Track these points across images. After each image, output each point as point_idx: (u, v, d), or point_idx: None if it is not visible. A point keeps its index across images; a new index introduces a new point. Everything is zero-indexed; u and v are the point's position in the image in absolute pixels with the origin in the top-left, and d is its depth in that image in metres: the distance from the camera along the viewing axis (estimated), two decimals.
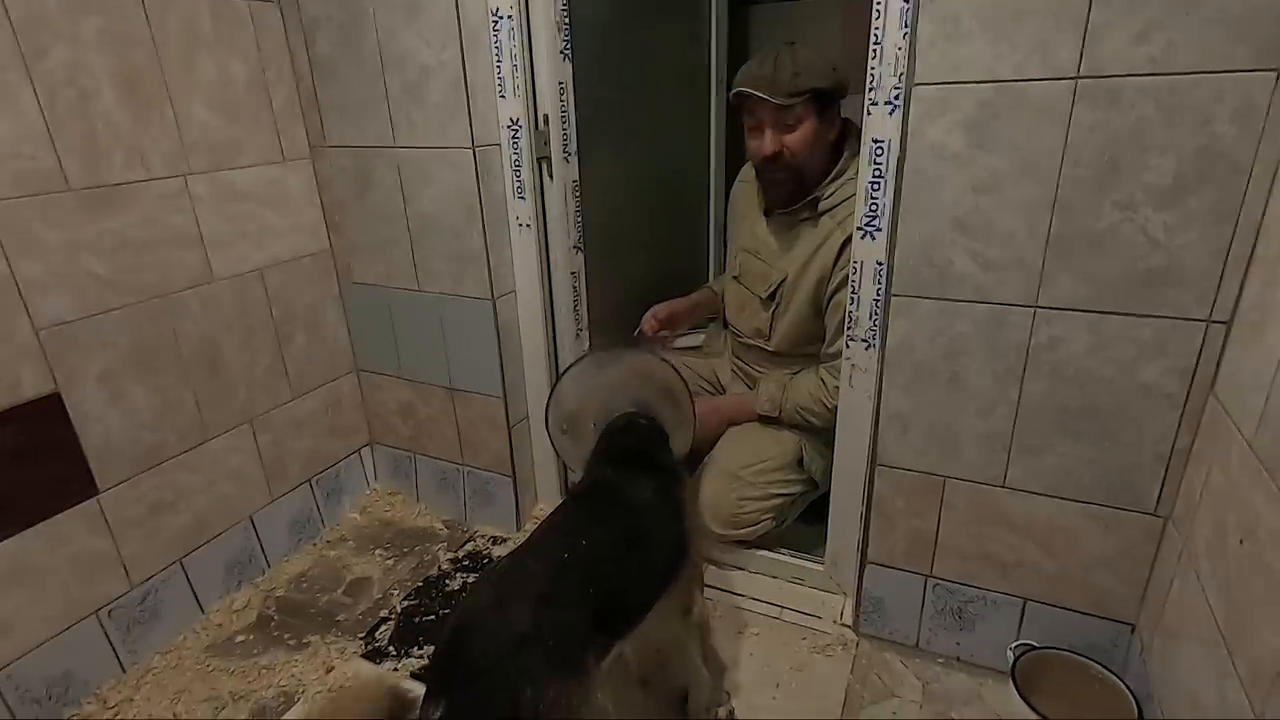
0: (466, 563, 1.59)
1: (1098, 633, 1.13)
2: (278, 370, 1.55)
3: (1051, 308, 0.99)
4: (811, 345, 1.47)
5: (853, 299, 1.19)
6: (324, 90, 1.46)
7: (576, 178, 1.49)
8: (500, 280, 1.48)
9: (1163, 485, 1.01)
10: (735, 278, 1.58)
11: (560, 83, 1.39)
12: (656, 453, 1.13)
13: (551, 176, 1.45)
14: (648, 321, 1.70)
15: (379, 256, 1.56)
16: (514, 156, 1.41)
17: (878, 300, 1.16)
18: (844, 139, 1.38)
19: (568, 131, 1.44)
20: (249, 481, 1.52)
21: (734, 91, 1.34)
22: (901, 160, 1.02)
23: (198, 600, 1.43)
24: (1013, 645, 1.16)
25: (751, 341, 1.55)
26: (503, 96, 1.37)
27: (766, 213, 1.48)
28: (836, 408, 1.38)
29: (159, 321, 1.30)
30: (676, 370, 1.26)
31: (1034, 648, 1.14)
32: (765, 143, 1.34)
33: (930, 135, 0.99)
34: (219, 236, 1.38)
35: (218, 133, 1.35)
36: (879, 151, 1.08)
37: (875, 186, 1.10)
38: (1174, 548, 1.00)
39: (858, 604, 1.32)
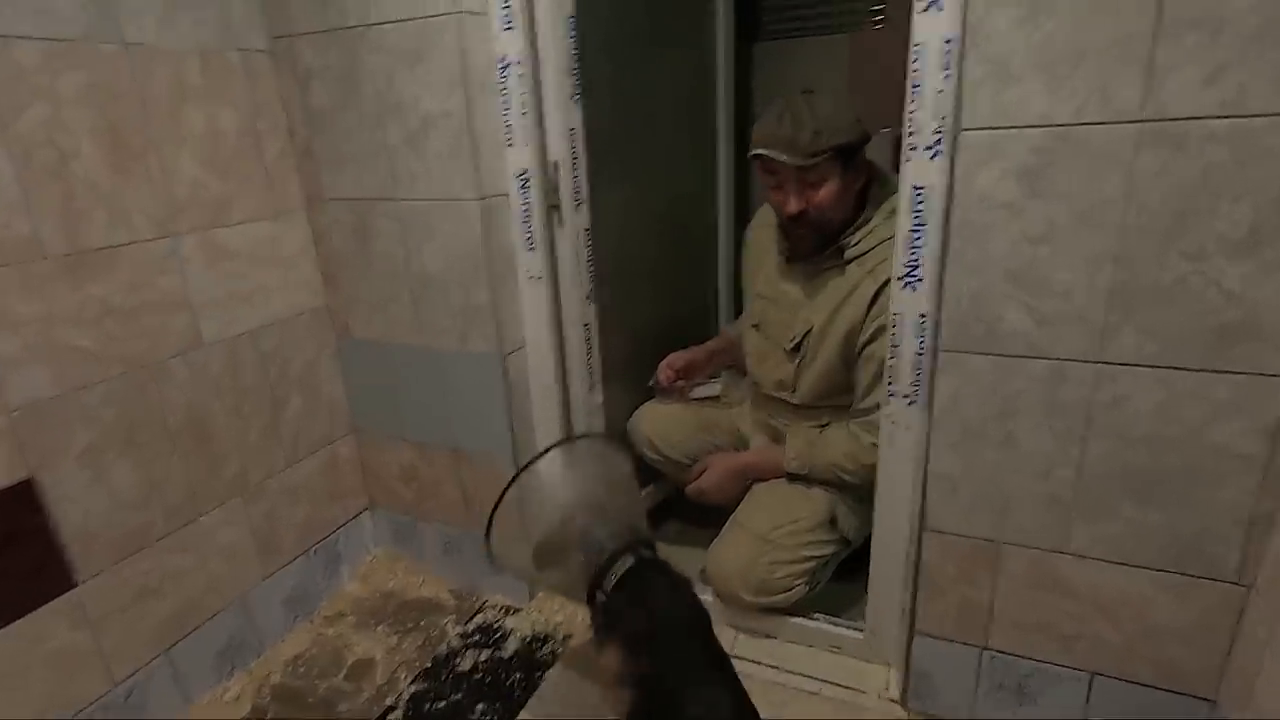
0: (477, 638, 1.48)
1: (1173, 708, 1.04)
2: (272, 436, 1.45)
3: (1115, 363, 0.92)
4: (839, 398, 1.39)
5: (893, 353, 1.12)
6: (320, 141, 1.39)
7: (588, 225, 1.42)
8: (509, 335, 1.40)
9: (1244, 551, 0.94)
10: (755, 326, 1.51)
11: (571, 129, 1.33)
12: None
13: (562, 224, 1.38)
14: (664, 371, 1.63)
15: (379, 312, 1.48)
16: (524, 207, 1.34)
17: (920, 354, 1.09)
18: (869, 184, 1.32)
19: (579, 177, 1.37)
20: (241, 558, 1.41)
21: (752, 153, 1.28)
22: (948, 209, 0.96)
23: (185, 693, 1.31)
24: None
25: (775, 394, 1.47)
26: (511, 145, 1.30)
27: (789, 261, 1.42)
28: (873, 466, 1.30)
29: (145, 392, 1.20)
30: (621, 449, 1.22)
31: None
32: (790, 203, 1.28)
33: (979, 183, 0.93)
34: (209, 299, 1.29)
35: (207, 190, 1.27)
36: (919, 199, 1.02)
37: (916, 235, 1.04)
38: (1260, 618, 0.92)
39: (906, 677, 1.22)
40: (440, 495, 1.59)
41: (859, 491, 1.42)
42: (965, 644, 1.15)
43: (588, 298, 1.46)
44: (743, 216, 2.15)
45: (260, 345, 1.40)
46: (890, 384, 1.14)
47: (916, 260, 1.05)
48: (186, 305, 1.26)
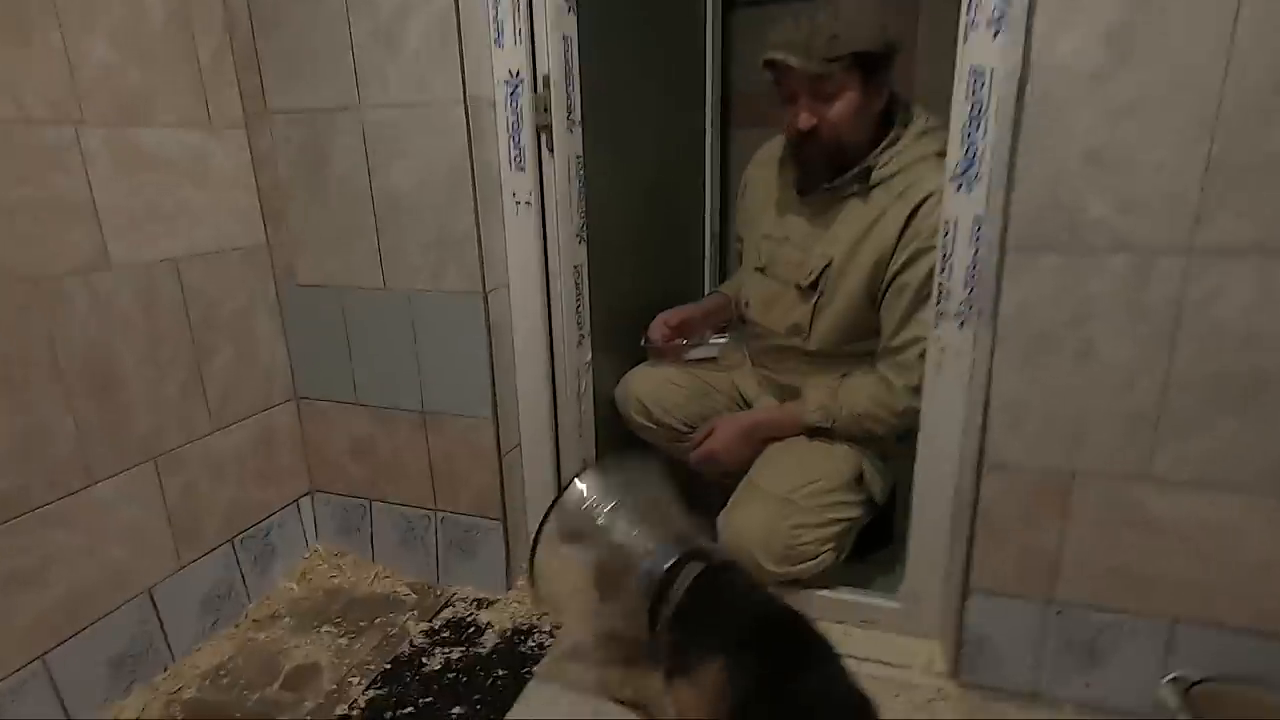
0: (447, 634, 1.23)
1: (1268, 656, 0.93)
2: (193, 393, 1.19)
3: (1210, 251, 0.83)
4: (860, 343, 1.26)
5: (943, 267, 1.00)
6: (266, 42, 1.18)
7: (580, 152, 1.25)
8: (492, 271, 1.21)
9: None
10: (760, 270, 1.37)
11: (565, 36, 1.17)
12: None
13: (552, 150, 1.21)
14: (657, 329, 1.46)
15: (333, 250, 1.26)
16: (511, 119, 1.16)
17: (974, 267, 0.98)
18: (893, 109, 1.22)
19: (572, 96, 1.21)
20: (149, 543, 1.13)
21: (763, 58, 1.16)
22: (1022, 84, 0.85)
23: (66, 712, 1.01)
24: (1167, 680, 0.94)
25: (785, 342, 1.33)
26: (500, 44, 1.13)
27: (801, 192, 1.29)
28: (906, 412, 1.17)
29: (29, 317, 0.95)
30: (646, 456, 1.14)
31: (1196, 682, 0.92)
32: (800, 117, 1.16)
33: (1060, 51, 0.82)
34: (120, 211, 1.05)
35: (123, 78, 1.04)
36: (978, 83, 0.91)
37: (974, 125, 0.93)
38: None
39: (958, 645, 1.07)
40: (401, 471, 1.35)
41: (883, 447, 1.28)
42: (1028, 599, 1.02)
43: (579, 236, 1.29)
44: (728, 192, 2.04)
45: (183, 279, 1.15)
46: (939, 304, 1.02)
47: (973, 156, 0.94)
48: (89, 215, 1.01)
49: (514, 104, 1.16)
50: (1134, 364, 0.89)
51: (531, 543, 1.04)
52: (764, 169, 1.41)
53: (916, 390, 1.15)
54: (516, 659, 1.17)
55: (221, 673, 1.15)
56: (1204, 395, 0.87)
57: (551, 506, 1.05)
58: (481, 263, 1.17)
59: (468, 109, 1.10)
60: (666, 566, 0.94)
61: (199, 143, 1.16)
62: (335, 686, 1.12)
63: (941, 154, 1.17)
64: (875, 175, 1.19)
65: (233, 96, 1.21)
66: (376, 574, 1.40)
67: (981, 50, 0.90)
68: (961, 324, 1.01)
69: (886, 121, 1.21)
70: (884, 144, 1.19)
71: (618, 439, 1.51)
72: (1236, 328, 0.84)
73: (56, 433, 0.99)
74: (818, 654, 0.85)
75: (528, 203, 1.20)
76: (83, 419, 1.02)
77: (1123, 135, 0.83)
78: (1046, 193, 0.87)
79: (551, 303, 1.28)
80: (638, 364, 1.52)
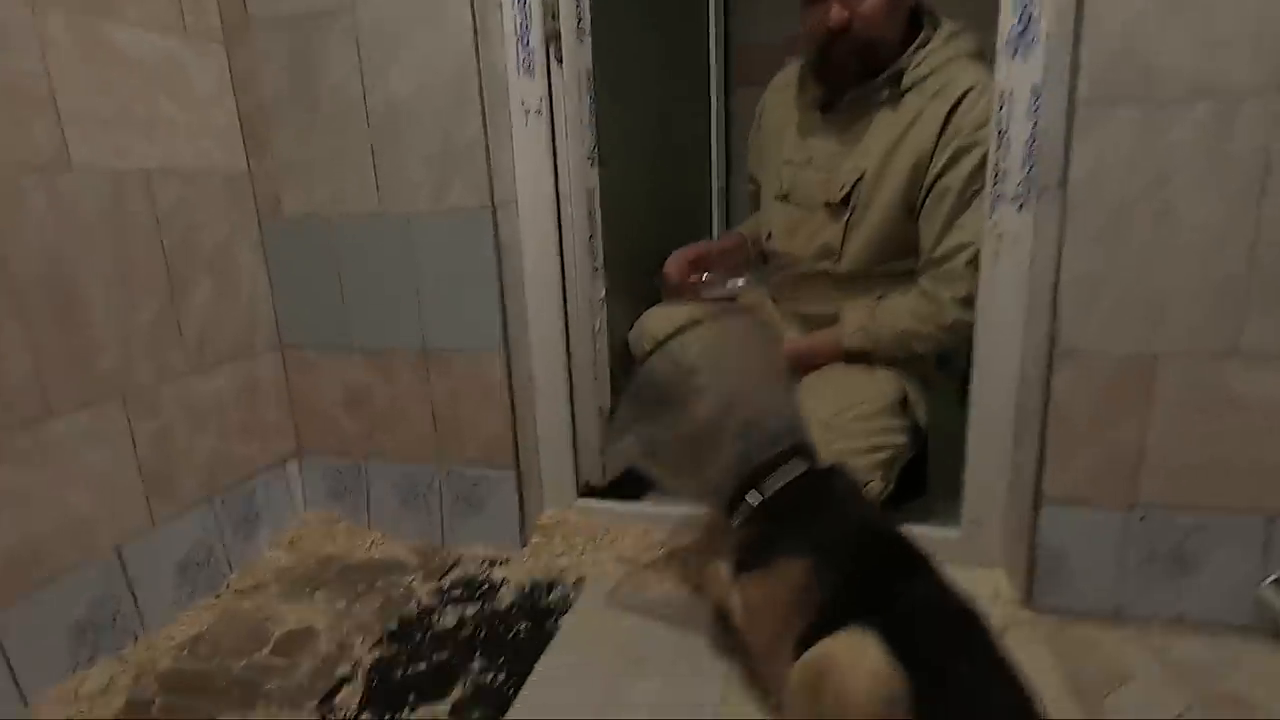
0: (458, 593, 1.10)
1: None
2: (168, 327, 1.06)
3: None
4: (896, 261, 1.19)
5: (998, 146, 0.93)
6: None
7: (590, 66, 1.17)
8: (501, 186, 1.11)
9: None
10: (781, 197, 1.29)
11: None
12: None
13: (561, 61, 1.13)
14: (673, 264, 1.37)
15: (323, 174, 1.15)
16: (520, 18, 1.08)
17: (1034, 141, 0.91)
18: (919, 12, 1.16)
19: (581, 2, 1.13)
20: (118, 494, 0.99)
21: None
22: None
23: (17, 685, 0.86)
24: (1269, 581, 0.86)
25: (813, 267, 1.25)
26: None
27: (825, 108, 1.22)
28: (954, 326, 1.09)
29: None
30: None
31: None
32: (831, 12, 1.09)
33: None
34: (85, 108, 0.93)
35: None
36: None
37: None
38: None
39: (1030, 566, 0.97)
40: (401, 422, 1.23)
41: (924, 371, 1.20)
42: (1107, 506, 0.93)
43: (590, 159, 1.20)
44: (732, 151, 1.98)
45: (156, 197, 1.03)
46: (995, 187, 0.94)
47: (1028, 18, 0.88)
48: (48, 107, 0.89)
49: (522, 2, 1.07)
50: (1220, 225, 0.82)
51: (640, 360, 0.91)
52: (781, 94, 1.34)
53: (965, 302, 1.08)
54: (540, 612, 1.04)
55: (201, 643, 1.01)
56: None
57: (669, 337, 0.90)
58: (490, 174, 1.07)
59: (473, 3, 1.01)
60: (768, 456, 0.83)
61: (175, 50, 1.05)
62: (335, 648, 0.98)
63: (975, 54, 1.12)
64: (907, 78, 1.13)
65: (209, 4, 1.11)
66: (374, 540, 1.27)
67: None
68: (1020, 206, 0.93)
69: (914, 24, 1.15)
70: (915, 44, 1.13)
71: None
72: None
73: (5, 351, 0.85)
74: (921, 563, 0.75)
75: (538, 111, 1.11)
76: (38, 339, 0.89)
77: None
78: (1118, 41, 0.80)
79: (563, 228, 1.19)
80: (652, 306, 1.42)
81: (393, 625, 1.03)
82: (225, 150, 1.15)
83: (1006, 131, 0.92)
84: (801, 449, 0.85)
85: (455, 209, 1.10)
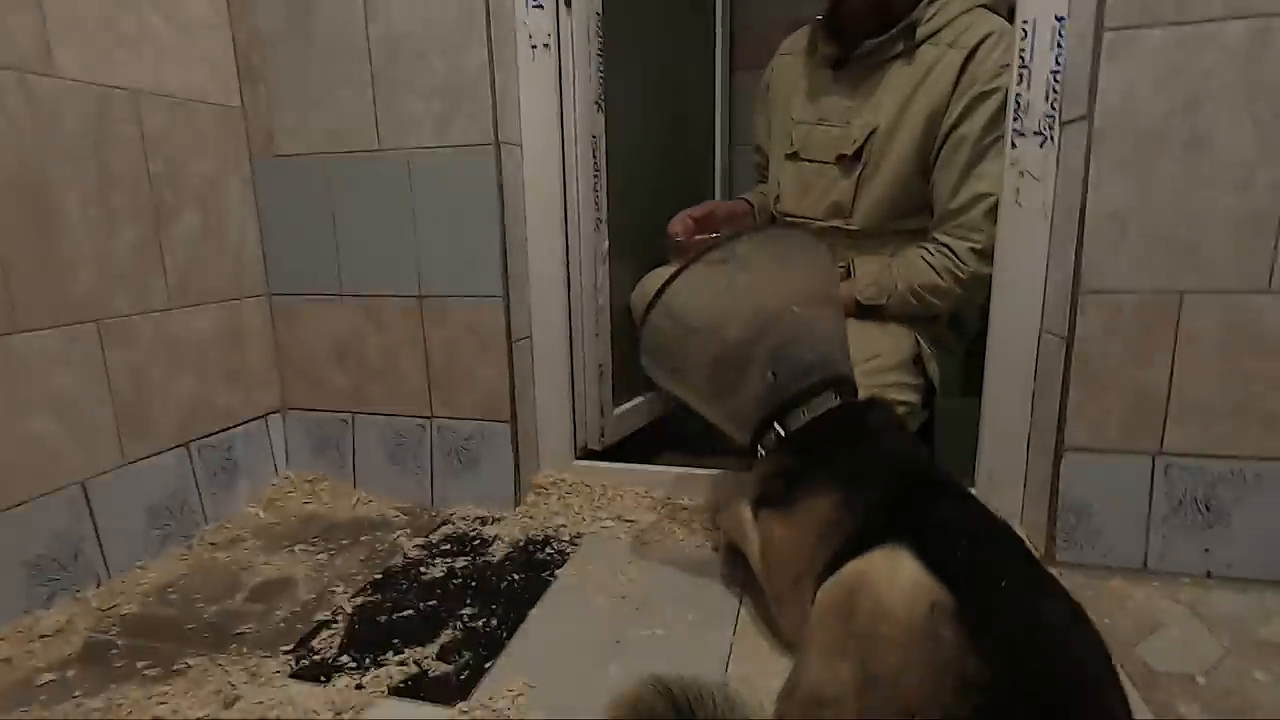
0: (448, 548, 1.04)
1: None
2: (150, 254, 1.01)
3: None
4: (907, 218, 1.16)
5: (1020, 78, 0.90)
6: None
7: (600, 9, 1.14)
8: (505, 123, 1.07)
9: None
10: (790, 156, 1.26)
11: None
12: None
13: (570, 4, 1.10)
14: (679, 223, 1.34)
15: (320, 109, 1.11)
16: None
17: (1059, 71, 0.88)
18: None
19: None
20: (87, 425, 0.93)
21: None
22: None
23: None
24: None
25: (824, 225, 1.21)
26: None
27: (837, 64, 1.20)
28: (971, 278, 1.06)
29: None
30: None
31: None
32: None
33: None
34: (70, 11, 0.89)
35: None
36: None
37: None
38: None
39: (1051, 519, 0.93)
40: (393, 373, 1.17)
41: (935, 332, 1.17)
42: (1134, 453, 0.89)
43: (597, 104, 1.17)
44: (734, 135, 1.96)
45: (143, 119, 0.98)
46: (1017, 121, 0.92)
47: None
48: (36, 4, 0.85)
49: None
50: (1252, 153, 0.79)
51: (668, 279, 0.83)
52: (790, 57, 1.32)
53: (982, 254, 1.05)
54: (535, 564, 0.98)
55: (170, 590, 0.94)
56: None
57: (710, 248, 0.83)
58: (495, 109, 1.04)
59: None
60: (800, 388, 0.78)
61: None
62: (314, 596, 0.91)
63: (989, 5, 1.10)
64: (921, 31, 1.11)
65: None
66: (359, 499, 1.20)
67: None
68: (1044, 142, 0.91)
69: None
70: None
71: (635, 361, 1.35)
72: None
73: None
74: (957, 493, 0.70)
75: (545, 45, 1.07)
76: (7, 247, 0.83)
77: None
78: None
79: (566, 174, 1.15)
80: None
81: (377, 575, 0.96)
82: (218, 82, 1.11)
83: (1029, 64, 0.89)
84: (836, 381, 0.81)
85: (458, 146, 1.06)
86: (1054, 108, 0.89)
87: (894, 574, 0.56)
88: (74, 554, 0.90)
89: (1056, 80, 0.88)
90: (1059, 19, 0.87)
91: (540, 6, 1.06)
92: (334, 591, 0.92)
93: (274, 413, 1.24)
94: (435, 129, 1.06)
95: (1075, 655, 0.50)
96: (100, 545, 0.94)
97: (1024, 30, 0.89)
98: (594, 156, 1.17)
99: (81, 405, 0.92)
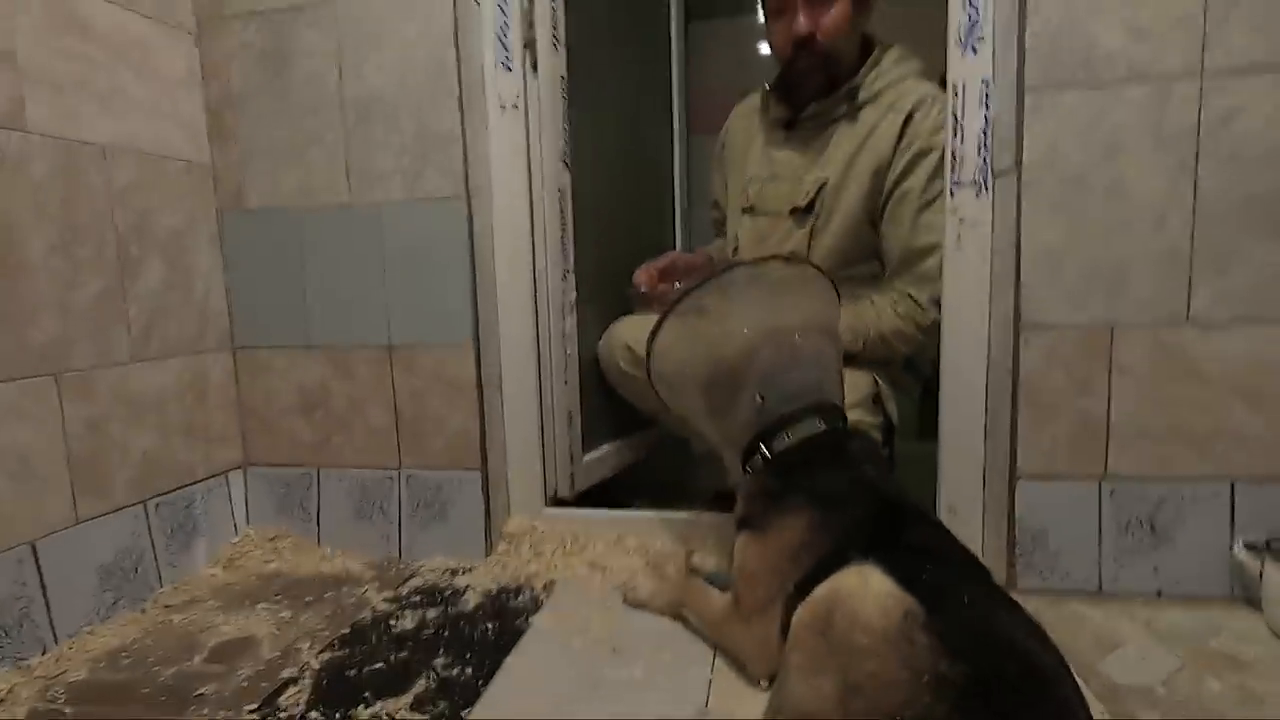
0: (418, 599, 1.02)
1: None
2: (114, 306, 1.00)
3: (1223, 70, 0.85)
4: (859, 265, 1.23)
5: (955, 134, 0.99)
6: None
7: (565, 74, 1.21)
8: (476, 175, 1.11)
9: None
10: (747, 210, 1.33)
11: None
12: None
13: (536, 68, 1.16)
14: (643, 274, 1.38)
15: (292, 164, 1.13)
16: (499, 18, 1.11)
17: (987, 127, 0.97)
18: (871, 39, 1.25)
19: (557, 10, 1.18)
20: (40, 481, 0.89)
21: None
22: None
23: None
24: (1239, 546, 0.87)
25: None
26: None
27: (788, 125, 1.29)
28: (931, 326, 1.12)
29: None
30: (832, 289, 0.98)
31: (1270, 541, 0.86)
32: (799, 22, 1.16)
33: None
34: (45, 70, 0.90)
35: None
36: None
37: None
38: None
39: (1010, 546, 0.97)
40: (359, 424, 1.17)
41: (892, 374, 1.22)
42: (1081, 478, 0.94)
43: (564, 161, 1.22)
44: (693, 197, 2.05)
45: (111, 171, 0.99)
46: (954, 174, 0.99)
47: (975, 16, 0.96)
48: (11, 61, 0.86)
49: (503, 3, 1.11)
50: (1163, 197, 0.88)
51: (671, 304, 0.91)
52: (744, 119, 1.41)
53: (938, 304, 1.12)
54: (509, 612, 0.97)
55: (123, 655, 0.89)
56: (1235, 223, 0.86)
57: (712, 277, 0.90)
58: (465, 164, 1.08)
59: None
60: (785, 412, 0.81)
61: (143, 31, 1.04)
62: (279, 654, 0.88)
63: (922, 74, 1.21)
64: (863, 93, 1.20)
65: None
66: (324, 555, 1.17)
67: None
68: (979, 191, 0.98)
69: (867, 48, 1.24)
70: (868, 64, 1.21)
71: (604, 410, 1.37)
72: (1256, 147, 0.85)
73: None
74: (926, 522, 0.73)
75: (515, 106, 1.13)
76: None
77: None
78: (1060, 30, 0.88)
79: (535, 226, 1.19)
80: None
81: (345, 630, 0.93)
82: (188, 138, 1.13)
83: (961, 121, 0.98)
84: (822, 408, 0.84)
85: (428, 199, 1.09)
86: (985, 161, 0.97)
87: (866, 588, 0.58)
88: (18, 620, 0.86)
89: (986, 135, 0.97)
90: (984, 81, 0.96)
91: (509, 69, 1.12)
92: (299, 649, 0.89)
93: (235, 469, 1.21)
94: (406, 183, 1.10)
95: (1036, 656, 0.52)
96: (48, 609, 0.89)
97: (955, 90, 0.98)
98: (561, 210, 1.22)
99: (34, 462, 0.89)
